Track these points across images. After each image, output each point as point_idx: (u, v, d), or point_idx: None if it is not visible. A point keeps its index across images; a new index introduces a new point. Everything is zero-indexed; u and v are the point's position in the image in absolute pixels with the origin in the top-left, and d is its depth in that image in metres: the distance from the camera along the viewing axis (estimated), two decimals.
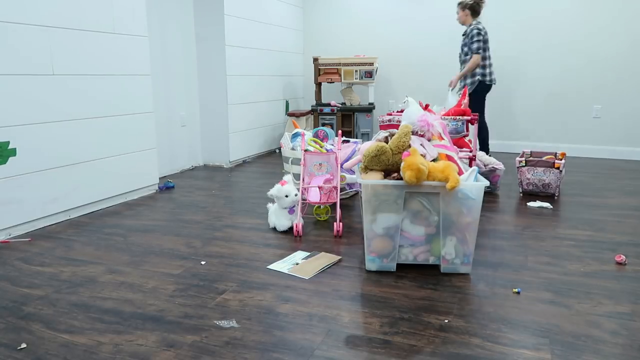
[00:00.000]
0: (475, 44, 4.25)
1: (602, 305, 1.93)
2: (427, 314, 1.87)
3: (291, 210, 2.84)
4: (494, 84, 4.46)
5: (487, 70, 4.38)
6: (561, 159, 3.68)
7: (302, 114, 5.68)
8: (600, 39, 5.13)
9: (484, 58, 4.34)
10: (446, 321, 1.81)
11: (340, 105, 5.61)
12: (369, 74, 5.56)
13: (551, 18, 5.28)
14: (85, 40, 3.11)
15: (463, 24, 4.43)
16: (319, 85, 5.75)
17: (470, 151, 3.42)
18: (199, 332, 1.74)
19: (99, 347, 1.66)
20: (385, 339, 1.70)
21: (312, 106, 5.70)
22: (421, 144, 2.30)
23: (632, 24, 5.00)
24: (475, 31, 4.27)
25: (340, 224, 2.79)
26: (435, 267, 2.28)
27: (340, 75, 5.62)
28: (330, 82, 5.69)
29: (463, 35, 4.43)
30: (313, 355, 1.60)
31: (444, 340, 1.68)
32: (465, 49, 4.38)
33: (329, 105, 5.62)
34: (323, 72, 5.65)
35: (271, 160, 5.25)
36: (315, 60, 5.62)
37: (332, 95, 6.18)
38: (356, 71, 5.56)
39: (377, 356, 1.59)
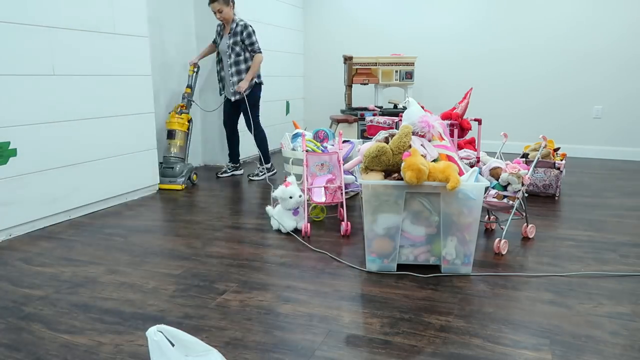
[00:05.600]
0: (256, 43, 4.06)
1: (602, 306, 1.93)
2: (428, 315, 1.87)
3: (295, 211, 2.83)
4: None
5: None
6: (562, 160, 3.68)
7: (349, 120, 4.94)
8: (601, 39, 5.13)
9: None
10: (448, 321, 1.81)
11: (379, 110, 4.97)
12: (409, 75, 5.11)
13: (552, 18, 5.28)
14: (86, 40, 3.11)
15: (227, 20, 4.03)
16: (350, 87, 5.18)
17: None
18: (200, 332, 1.74)
19: (100, 348, 1.65)
20: (385, 339, 1.70)
21: (344, 111, 5.20)
22: (422, 145, 2.30)
23: (633, 24, 5.00)
24: (250, 29, 4.03)
25: (348, 222, 2.80)
26: (435, 268, 2.28)
27: (377, 76, 5.09)
28: (365, 84, 5.18)
29: (229, 33, 4.03)
30: (314, 355, 1.60)
31: (444, 340, 1.68)
32: (237, 48, 4.02)
33: (367, 109, 4.97)
34: (356, 72, 5.09)
35: (271, 161, 5.24)
36: (349, 59, 5.09)
37: (336, 97, 6.18)
38: (396, 72, 5.09)
39: (377, 356, 1.59)
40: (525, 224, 2.73)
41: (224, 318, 1.85)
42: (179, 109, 4.11)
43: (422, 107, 2.61)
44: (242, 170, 4.52)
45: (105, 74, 3.28)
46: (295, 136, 3.63)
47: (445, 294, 2.05)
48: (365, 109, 5.07)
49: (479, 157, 3.29)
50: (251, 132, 4.26)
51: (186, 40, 4.60)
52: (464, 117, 3.38)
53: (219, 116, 4.82)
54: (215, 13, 3.97)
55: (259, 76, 4.18)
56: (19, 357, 1.61)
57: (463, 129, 3.37)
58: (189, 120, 4.20)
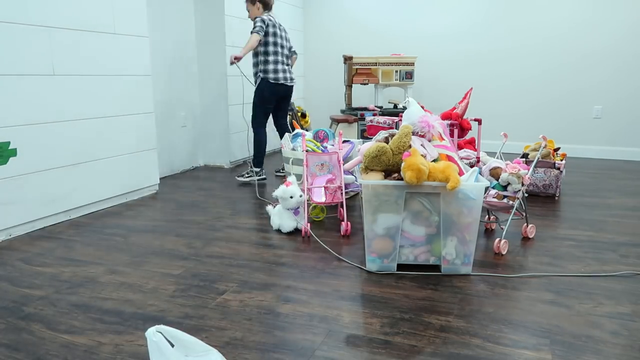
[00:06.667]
0: (256, 26, 3.89)
1: (602, 306, 1.93)
2: (428, 315, 1.87)
3: (296, 211, 2.83)
4: (284, 83, 4.05)
5: (271, 67, 4.00)
6: (562, 160, 3.68)
7: (349, 120, 4.98)
8: (601, 39, 5.13)
9: (266, 53, 3.98)
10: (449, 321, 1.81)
11: (379, 109, 4.99)
12: (409, 75, 5.12)
13: (552, 18, 5.28)
14: (86, 40, 3.11)
15: (251, 19, 4.07)
16: (350, 87, 5.18)
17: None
18: (200, 332, 1.74)
19: (100, 348, 1.66)
20: (385, 339, 1.70)
21: (344, 111, 5.19)
22: (422, 145, 2.30)
23: (633, 24, 5.00)
24: (257, 20, 3.92)
25: (348, 222, 2.80)
26: (435, 268, 2.28)
27: (377, 76, 5.09)
28: (365, 84, 5.18)
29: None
30: (314, 355, 1.60)
31: (444, 340, 1.68)
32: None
33: (367, 109, 5.00)
34: (356, 72, 5.09)
35: (272, 161, 5.25)
36: (349, 59, 5.09)
37: (336, 97, 6.18)
38: (396, 72, 5.08)
39: (377, 356, 1.59)
40: (525, 224, 2.73)
41: (224, 318, 1.85)
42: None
43: (422, 107, 2.62)
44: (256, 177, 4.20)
45: (105, 74, 3.28)
46: (295, 136, 3.63)
47: (445, 294, 2.05)
48: (365, 109, 5.06)
49: (479, 157, 3.29)
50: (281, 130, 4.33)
51: (186, 40, 4.59)
52: (464, 117, 3.38)
53: (219, 115, 4.83)
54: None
55: (265, 71, 3.99)
56: (19, 357, 1.61)
57: (463, 129, 3.37)
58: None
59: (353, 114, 5.05)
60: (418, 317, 1.84)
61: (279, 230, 2.87)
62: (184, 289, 2.10)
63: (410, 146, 2.22)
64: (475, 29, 5.58)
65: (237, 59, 3.90)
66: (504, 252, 2.49)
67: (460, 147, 3.60)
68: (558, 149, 3.85)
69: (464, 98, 3.48)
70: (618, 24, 5.05)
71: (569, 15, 5.21)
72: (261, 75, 4.03)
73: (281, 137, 4.28)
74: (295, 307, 1.94)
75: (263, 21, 3.93)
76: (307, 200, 2.86)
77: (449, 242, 2.21)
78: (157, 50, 4.20)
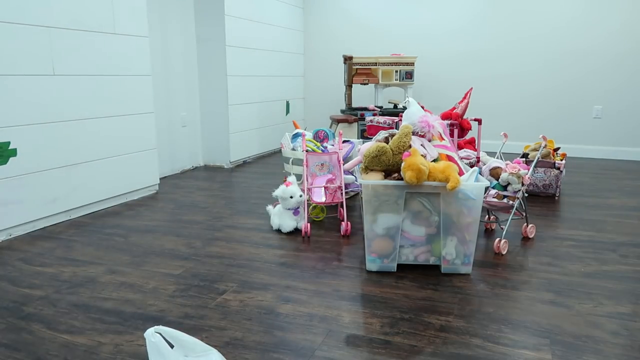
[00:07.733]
0: None
1: (602, 306, 1.93)
2: (428, 315, 1.87)
3: (296, 211, 2.83)
4: None
5: None
6: (562, 160, 3.68)
7: (349, 120, 4.93)
8: (602, 39, 5.13)
9: None
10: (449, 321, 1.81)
11: (379, 109, 4.97)
12: (409, 75, 5.11)
13: (552, 18, 5.28)
14: (86, 40, 3.11)
15: None
16: (350, 87, 5.15)
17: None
18: (200, 332, 1.74)
19: (100, 348, 1.66)
20: (385, 339, 1.70)
21: (344, 111, 5.18)
22: (422, 145, 2.30)
23: (633, 24, 5.00)
24: None
25: (348, 222, 2.80)
26: (435, 268, 2.28)
27: (377, 76, 5.07)
28: (365, 84, 5.18)
29: None
30: (314, 355, 1.60)
31: (444, 340, 1.68)
32: None
33: (367, 109, 4.97)
34: (356, 72, 5.11)
35: (271, 161, 5.25)
36: (349, 59, 5.07)
37: (336, 97, 6.18)
38: (396, 72, 5.06)
39: (377, 356, 1.59)
40: (525, 224, 2.73)
41: (224, 318, 1.85)
42: None
43: (422, 107, 2.61)
44: None
45: (105, 74, 3.28)
46: (295, 136, 3.63)
47: (445, 294, 2.05)
48: (365, 109, 5.06)
49: (479, 157, 3.29)
50: None
51: (187, 40, 4.59)
52: (464, 117, 3.37)
53: (219, 115, 4.83)
54: None
55: None
56: (19, 357, 1.61)
57: (463, 129, 3.36)
58: None
59: (353, 114, 5.05)
60: (418, 317, 1.85)
61: (279, 230, 2.87)
62: (184, 289, 2.10)
63: (410, 146, 2.22)
64: (475, 28, 5.58)
65: None
66: (504, 252, 2.49)
67: (460, 147, 3.60)
68: (558, 148, 3.85)
69: (464, 98, 3.47)
70: (619, 24, 5.05)
71: (570, 14, 5.21)
72: None
73: None
74: (295, 307, 1.94)
75: None
76: (307, 200, 2.86)
77: (449, 242, 2.21)
78: (157, 50, 4.20)
